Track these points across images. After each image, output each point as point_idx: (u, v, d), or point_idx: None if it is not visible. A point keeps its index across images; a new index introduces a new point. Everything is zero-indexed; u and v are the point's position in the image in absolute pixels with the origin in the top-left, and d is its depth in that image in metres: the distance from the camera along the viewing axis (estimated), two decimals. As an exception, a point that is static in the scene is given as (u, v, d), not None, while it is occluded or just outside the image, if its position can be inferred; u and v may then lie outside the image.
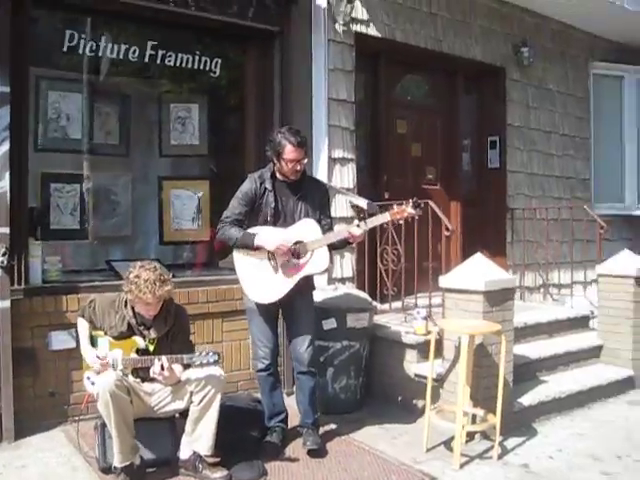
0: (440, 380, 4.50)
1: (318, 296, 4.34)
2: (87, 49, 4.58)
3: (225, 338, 4.86)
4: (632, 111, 7.49)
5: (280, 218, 3.84)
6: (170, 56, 4.88)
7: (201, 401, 3.50)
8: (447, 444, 4.12)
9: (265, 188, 3.84)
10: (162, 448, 3.67)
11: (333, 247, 3.88)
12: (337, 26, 5.24)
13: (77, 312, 4.04)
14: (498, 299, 4.36)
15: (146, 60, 4.80)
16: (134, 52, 4.72)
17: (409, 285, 5.04)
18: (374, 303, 5.00)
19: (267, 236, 3.74)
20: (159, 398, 3.64)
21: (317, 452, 3.90)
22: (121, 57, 4.71)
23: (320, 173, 5.19)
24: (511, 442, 4.18)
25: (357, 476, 3.66)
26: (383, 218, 3.73)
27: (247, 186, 3.86)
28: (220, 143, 5.47)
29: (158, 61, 4.83)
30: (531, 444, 4.21)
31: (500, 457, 3.95)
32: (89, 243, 4.94)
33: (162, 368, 3.44)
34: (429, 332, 4.74)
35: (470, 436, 4.21)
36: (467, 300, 4.33)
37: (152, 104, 5.30)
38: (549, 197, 6.72)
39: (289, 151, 3.72)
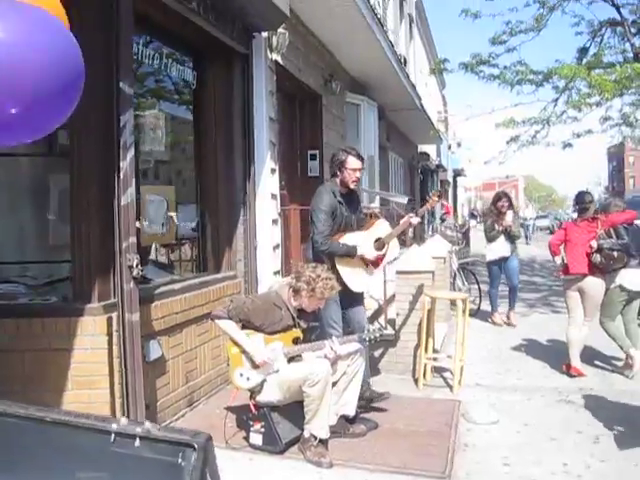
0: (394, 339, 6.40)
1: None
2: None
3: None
4: (367, 130, 10.34)
5: (347, 225, 5.15)
6: (173, 66, 5.42)
7: (352, 372, 4.69)
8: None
9: (338, 201, 5.09)
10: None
11: None
12: (273, 54, 6.46)
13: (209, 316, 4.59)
14: (433, 277, 6.53)
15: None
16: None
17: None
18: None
19: (365, 248, 5.06)
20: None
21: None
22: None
23: (263, 180, 6.37)
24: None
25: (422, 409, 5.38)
26: (427, 208, 5.50)
27: (328, 201, 5.00)
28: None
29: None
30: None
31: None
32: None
33: (332, 348, 4.53)
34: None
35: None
36: (418, 278, 6.35)
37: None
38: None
39: (351, 161, 5.05)
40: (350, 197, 5.24)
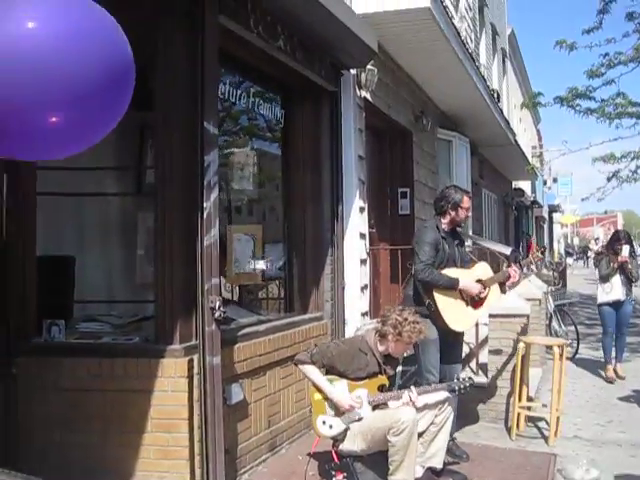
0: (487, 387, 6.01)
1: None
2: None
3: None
4: (459, 167, 10.10)
5: (450, 261, 4.94)
6: (261, 104, 5.36)
7: (440, 422, 4.38)
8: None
9: (442, 236, 4.93)
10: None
11: None
12: (362, 91, 6.32)
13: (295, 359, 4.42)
14: (528, 320, 6.13)
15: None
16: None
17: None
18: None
19: (467, 280, 4.82)
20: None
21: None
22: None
23: (352, 219, 6.19)
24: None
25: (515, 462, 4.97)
26: (529, 261, 5.18)
27: (432, 234, 4.90)
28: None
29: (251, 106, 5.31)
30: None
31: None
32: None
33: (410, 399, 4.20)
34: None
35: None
36: (512, 322, 5.97)
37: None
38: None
39: (466, 201, 5.00)
40: (453, 235, 5.11)
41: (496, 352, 5.99)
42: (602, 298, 8.05)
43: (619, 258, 7.78)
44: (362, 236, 6.34)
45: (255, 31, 4.60)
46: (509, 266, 5.17)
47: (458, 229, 5.27)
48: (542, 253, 5.35)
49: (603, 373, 8.27)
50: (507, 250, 6.25)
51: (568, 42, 10.96)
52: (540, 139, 32.83)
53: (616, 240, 8.01)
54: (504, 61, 19.64)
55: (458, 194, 4.99)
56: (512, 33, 21.61)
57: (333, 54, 5.67)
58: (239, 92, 5.12)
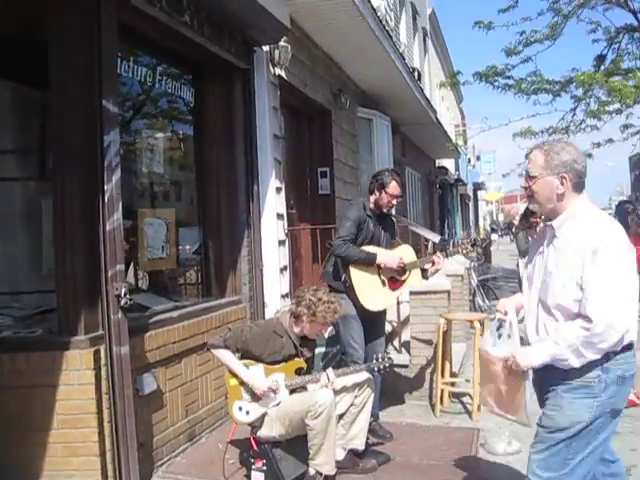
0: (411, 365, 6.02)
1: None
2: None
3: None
4: (380, 145, 10.03)
5: (373, 240, 4.88)
6: (169, 83, 5.15)
7: (360, 403, 4.33)
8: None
9: (367, 215, 4.86)
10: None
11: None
12: (276, 69, 6.16)
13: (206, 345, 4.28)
14: (449, 297, 6.15)
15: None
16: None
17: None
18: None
19: (385, 256, 4.74)
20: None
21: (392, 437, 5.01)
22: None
23: (268, 199, 6.05)
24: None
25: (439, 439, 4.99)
26: (457, 252, 5.12)
27: (356, 212, 4.83)
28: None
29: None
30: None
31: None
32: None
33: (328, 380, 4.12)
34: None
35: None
36: (434, 299, 5.97)
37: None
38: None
39: (393, 187, 4.85)
40: (382, 219, 5.01)
41: (418, 329, 5.99)
42: (524, 272, 8.08)
43: (538, 229, 7.85)
44: (280, 216, 6.21)
45: (158, 5, 4.39)
46: (434, 253, 5.13)
47: (391, 212, 5.16)
48: (472, 245, 5.22)
49: (528, 347, 8.34)
50: (436, 238, 6.30)
51: (485, 22, 11.13)
52: (463, 117, 33.31)
53: (530, 214, 8.08)
54: (425, 40, 19.76)
55: (388, 178, 4.85)
56: (433, 13, 21.73)
57: (244, 30, 5.49)
58: (145, 70, 4.90)
